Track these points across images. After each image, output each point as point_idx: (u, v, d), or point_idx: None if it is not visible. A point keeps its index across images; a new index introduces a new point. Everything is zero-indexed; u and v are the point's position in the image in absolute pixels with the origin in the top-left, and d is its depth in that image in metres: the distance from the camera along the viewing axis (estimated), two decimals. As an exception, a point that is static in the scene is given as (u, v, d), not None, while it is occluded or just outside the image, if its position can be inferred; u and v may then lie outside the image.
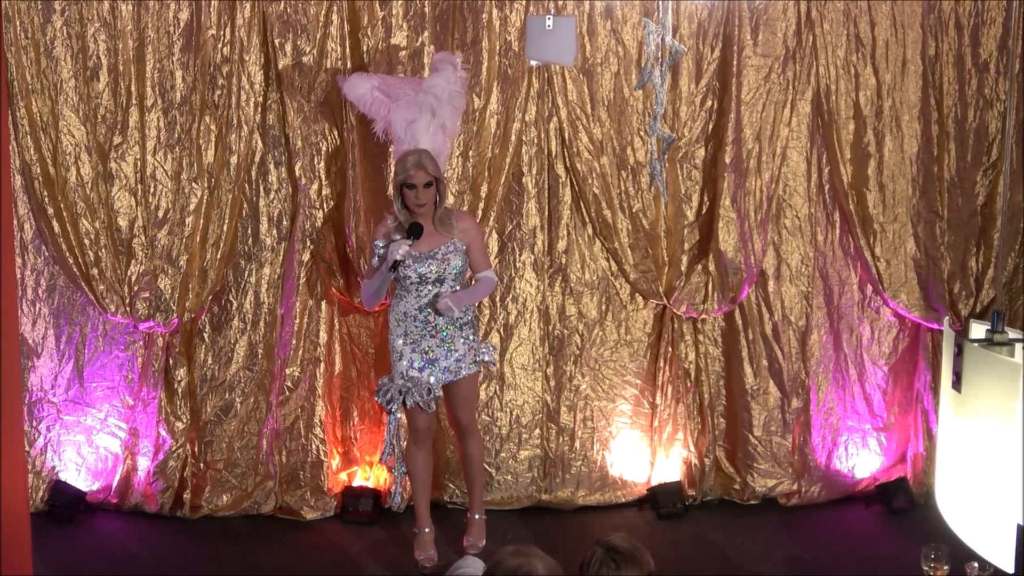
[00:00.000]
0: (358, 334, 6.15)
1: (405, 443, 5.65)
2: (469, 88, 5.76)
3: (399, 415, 5.51)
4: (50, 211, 5.86)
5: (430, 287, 5.38)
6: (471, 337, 5.51)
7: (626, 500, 6.30)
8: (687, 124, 6.08)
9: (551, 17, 4.95)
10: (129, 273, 5.94)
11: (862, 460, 6.35)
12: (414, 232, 5.29)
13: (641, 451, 6.29)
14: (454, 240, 5.41)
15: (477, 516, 5.84)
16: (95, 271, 5.91)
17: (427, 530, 5.72)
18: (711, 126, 6.11)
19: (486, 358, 5.58)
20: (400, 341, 5.43)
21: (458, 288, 5.44)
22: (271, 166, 6.04)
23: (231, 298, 6.09)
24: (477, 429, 5.84)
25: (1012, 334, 3.12)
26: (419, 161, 5.29)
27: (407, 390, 5.39)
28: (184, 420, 6.05)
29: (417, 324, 5.41)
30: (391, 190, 5.53)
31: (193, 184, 5.94)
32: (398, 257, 5.22)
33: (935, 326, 6.18)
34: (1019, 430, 2.85)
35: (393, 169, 5.44)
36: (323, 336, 6.08)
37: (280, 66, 5.87)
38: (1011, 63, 6.00)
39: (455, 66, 5.50)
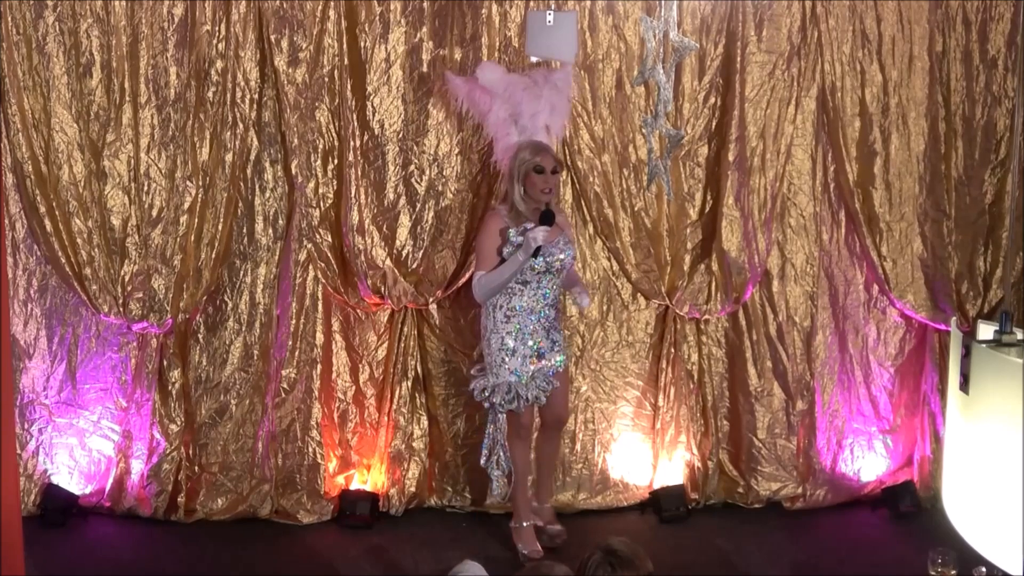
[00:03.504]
0: (355, 335, 6.08)
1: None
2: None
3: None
4: (42, 210, 5.80)
5: (548, 278, 5.40)
6: (560, 328, 5.61)
7: (628, 504, 6.25)
8: (690, 121, 6.03)
9: (552, 12, 4.92)
10: (122, 273, 5.88)
11: (868, 463, 6.28)
12: (547, 219, 5.29)
13: (643, 454, 6.23)
14: (564, 232, 5.47)
15: (548, 504, 5.87)
16: (88, 271, 5.85)
17: (528, 524, 5.68)
18: (714, 123, 6.06)
19: None
20: (510, 339, 5.39)
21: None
22: (267, 164, 5.99)
23: (226, 298, 6.03)
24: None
25: (1020, 335, 3.10)
26: (544, 147, 5.38)
27: (527, 385, 5.38)
28: (178, 422, 5.99)
29: (532, 318, 5.40)
30: (502, 181, 5.50)
31: (187, 182, 5.88)
32: (541, 243, 5.21)
33: (942, 327, 6.13)
34: (1028, 433, 2.81)
35: (515, 157, 5.37)
36: (320, 337, 6.02)
37: (276, 62, 5.81)
38: (1019, 59, 5.96)
39: (568, 73, 5.57)
